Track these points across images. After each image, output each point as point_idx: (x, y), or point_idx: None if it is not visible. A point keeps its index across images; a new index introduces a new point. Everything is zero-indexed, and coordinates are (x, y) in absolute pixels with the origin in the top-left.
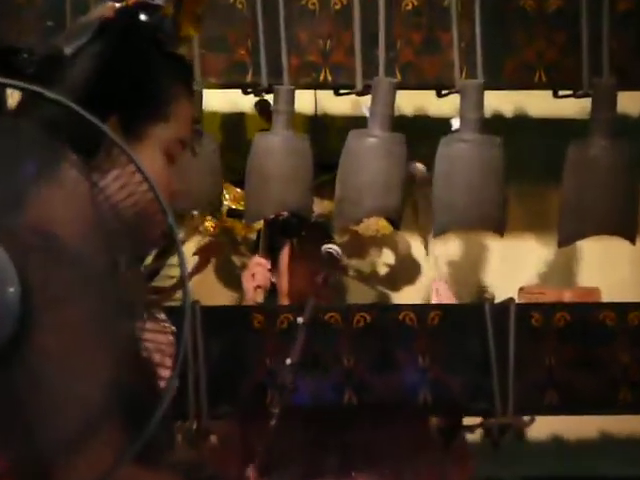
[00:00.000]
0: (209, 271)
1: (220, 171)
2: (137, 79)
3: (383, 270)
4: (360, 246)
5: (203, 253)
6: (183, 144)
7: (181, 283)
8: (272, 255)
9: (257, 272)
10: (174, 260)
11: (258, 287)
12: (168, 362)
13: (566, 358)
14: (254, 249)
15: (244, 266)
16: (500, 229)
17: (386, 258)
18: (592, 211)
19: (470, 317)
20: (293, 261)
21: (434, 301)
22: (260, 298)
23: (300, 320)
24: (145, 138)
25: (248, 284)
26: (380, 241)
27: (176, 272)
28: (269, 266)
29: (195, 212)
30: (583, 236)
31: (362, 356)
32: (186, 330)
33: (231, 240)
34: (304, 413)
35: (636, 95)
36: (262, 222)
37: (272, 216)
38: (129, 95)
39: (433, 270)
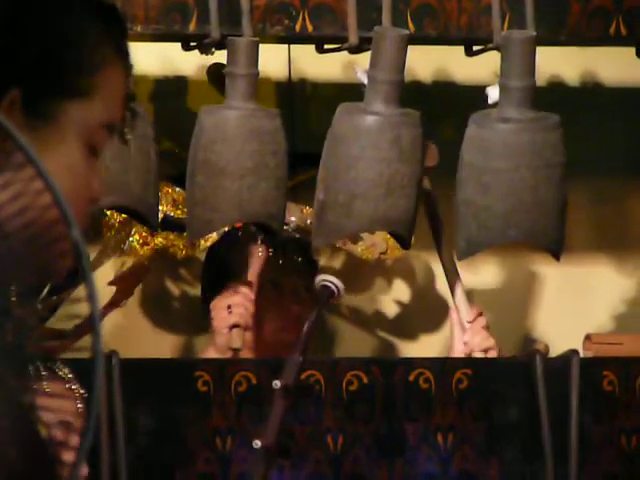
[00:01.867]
0: (134, 307)
1: (155, 165)
2: (45, 38)
3: (391, 310)
4: (357, 274)
5: (123, 282)
6: (110, 130)
7: (90, 325)
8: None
9: (235, 304)
10: (81, 293)
11: (235, 326)
12: (75, 440)
13: None
14: (204, 275)
15: (184, 299)
16: (557, 249)
17: (396, 292)
18: None
19: (514, 377)
20: (262, 297)
21: (458, 346)
22: (238, 343)
23: (278, 384)
24: (56, 120)
25: (220, 322)
26: (387, 268)
27: (83, 309)
28: (253, 296)
29: (117, 223)
30: None
31: (355, 436)
32: (97, 394)
33: (168, 262)
34: None
35: None
36: (212, 238)
37: (226, 229)
38: (33, 61)
39: (461, 309)
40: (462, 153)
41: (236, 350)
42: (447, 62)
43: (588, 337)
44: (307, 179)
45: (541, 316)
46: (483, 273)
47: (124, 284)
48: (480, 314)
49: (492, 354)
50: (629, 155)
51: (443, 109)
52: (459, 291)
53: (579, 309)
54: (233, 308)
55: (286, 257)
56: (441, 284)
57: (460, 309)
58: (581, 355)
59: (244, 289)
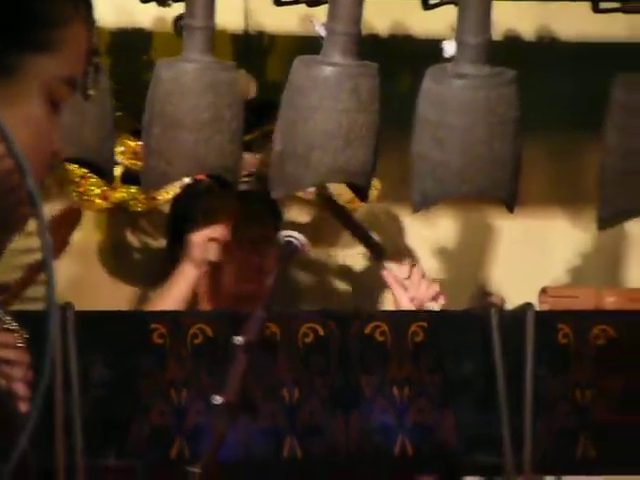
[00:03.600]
0: (93, 259)
1: (111, 117)
2: None
3: (354, 263)
4: (322, 227)
5: (58, 227)
6: (72, 85)
7: (45, 276)
8: (183, 243)
9: (215, 235)
10: (33, 242)
11: (213, 240)
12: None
13: (609, 392)
14: (169, 229)
15: (144, 251)
16: (511, 202)
17: (360, 245)
18: None
19: (470, 329)
20: (222, 248)
21: (407, 305)
22: (214, 256)
23: (239, 339)
24: (17, 74)
25: (199, 234)
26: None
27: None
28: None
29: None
30: (633, 214)
31: (311, 387)
32: (51, 345)
33: (129, 215)
34: (227, 473)
35: None
36: (174, 190)
37: (183, 182)
38: None
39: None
40: (418, 107)
41: (211, 264)
42: (404, 15)
43: (544, 290)
44: (261, 135)
45: (497, 269)
46: (439, 227)
47: (57, 235)
48: (414, 265)
49: (442, 300)
50: (584, 110)
51: (400, 62)
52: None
53: (535, 262)
54: (215, 227)
55: (246, 207)
56: (408, 236)
57: (392, 269)
58: (536, 308)
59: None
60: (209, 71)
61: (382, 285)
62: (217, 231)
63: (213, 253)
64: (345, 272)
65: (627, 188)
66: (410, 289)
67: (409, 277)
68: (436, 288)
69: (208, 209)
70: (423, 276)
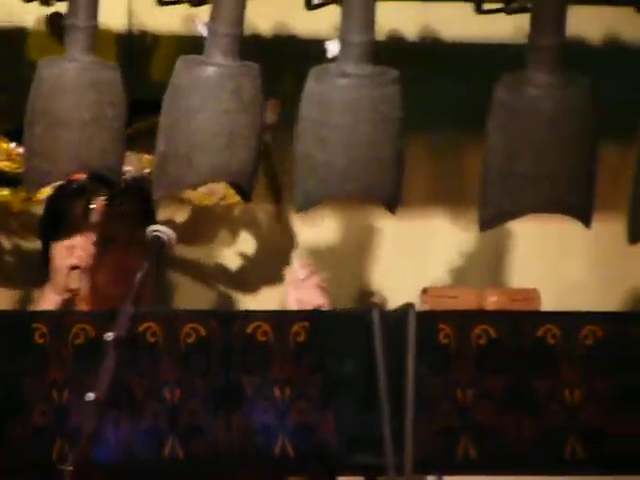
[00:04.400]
0: None
1: None
2: None
3: (233, 262)
4: (201, 226)
5: None
6: None
7: None
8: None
9: (77, 246)
10: None
11: (75, 268)
12: None
13: (489, 392)
14: (42, 227)
15: (19, 252)
16: (393, 203)
17: (239, 245)
18: (528, 180)
19: (351, 329)
20: (97, 249)
21: (292, 305)
22: (76, 284)
23: (109, 336)
24: None
25: (60, 261)
26: (232, 220)
27: None
28: (93, 241)
29: None
30: (515, 215)
31: (192, 387)
32: None
33: (2, 217)
34: (109, 473)
35: (600, 12)
36: (46, 191)
37: (63, 181)
38: None
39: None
40: (301, 107)
41: (73, 291)
42: (287, 15)
43: (424, 290)
44: (146, 127)
45: (379, 270)
46: (321, 227)
47: None
48: (314, 273)
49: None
50: (466, 110)
51: (283, 63)
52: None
53: (416, 263)
54: (74, 250)
55: (119, 208)
56: (286, 237)
57: (294, 267)
58: (418, 308)
59: (86, 233)
60: (91, 70)
61: (258, 282)
62: (78, 241)
63: (75, 281)
64: (223, 270)
65: (509, 189)
66: (300, 290)
67: (305, 279)
68: (324, 300)
69: (74, 216)
70: (318, 285)
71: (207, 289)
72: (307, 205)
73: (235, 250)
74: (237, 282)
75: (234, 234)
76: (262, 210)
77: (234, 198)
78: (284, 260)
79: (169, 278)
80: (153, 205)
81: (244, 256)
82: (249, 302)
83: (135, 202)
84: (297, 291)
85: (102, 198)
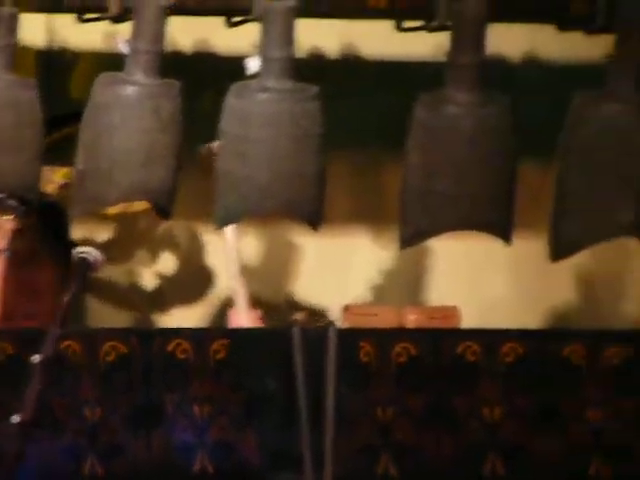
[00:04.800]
0: None
1: None
2: None
3: (152, 281)
4: (118, 245)
5: None
6: None
7: None
8: None
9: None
10: None
11: None
12: None
13: (409, 410)
14: None
15: None
16: (315, 220)
17: (159, 264)
18: (448, 198)
19: (272, 347)
20: (5, 267)
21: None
22: None
23: (36, 358)
24: None
25: None
26: (152, 239)
27: None
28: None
29: None
30: (435, 233)
31: (113, 406)
32: None
33: None
34: None
35: (521, 30)
36: None
37: None
38: None
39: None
40: (222, 123)
41: None
42: (208, 33)
43: (345, 308)
44: (61, 137)
45: (300, 287)
46: (243, 244)
47: None
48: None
49: None
50: (387, 128)
51: (204, 79)
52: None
53: (337, 280)
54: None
55: (31, 225)
56: (207, 255)
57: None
58: (338, 326)
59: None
60: (9, 90)
61: (177, 301)
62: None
63: None
64: (141, 290)
65: (428, 207)
66: (237, 316)
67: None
68: (258, 318)
69: None
70: (251, 307)
71: (125, 309)
72: (227, 221)
73: (154, 269)
74: (156, 301)
75: (154, 253)
76: (182, 229)
77: (142, 205)
78: (204, 279)
79: (86, 297)
80: (66, 222)
81: (163, 275)
82: (168, 322)
83: (47, 219)
84: (236, 315)
85: (10, 215)
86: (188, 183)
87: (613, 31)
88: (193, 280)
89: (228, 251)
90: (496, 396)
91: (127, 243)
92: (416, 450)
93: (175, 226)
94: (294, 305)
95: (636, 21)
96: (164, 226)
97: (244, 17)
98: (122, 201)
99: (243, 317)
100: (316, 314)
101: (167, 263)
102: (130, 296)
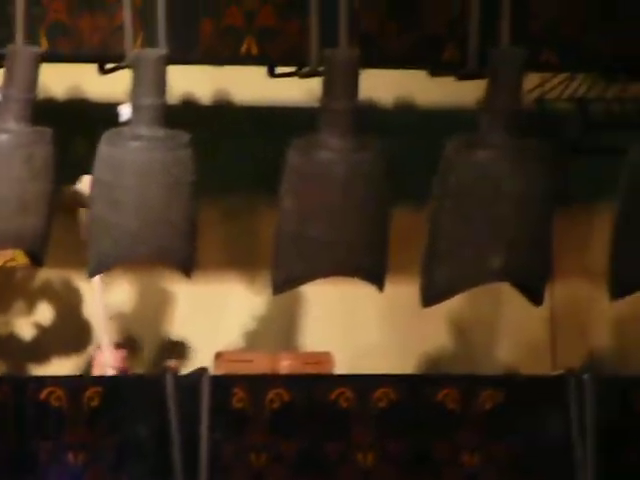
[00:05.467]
0: None
1: None
2: None
3: (28, 332)
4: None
5: None
6: None
7: None
8: None
9: None
10: None
11: None
12: None
13: (282, 455)
14: None
15: None
16: (188, 267)
17: (37, 314)
18: (321, 243)
19: (145, 394)
20: None
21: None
22: None
23: None
24: None
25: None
26: (30, 289)
27: None
28: None
29: None
30: (307, 279)
31: None
32: None
33: None
34: None
35: (393, 76)
36: None
37: None
38: None
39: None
40: (94, 171)
41: None
42: (81, 79)
43: (218, 355)
44: None
45: (174, 334)
46: (116, 290)
47: None
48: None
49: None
50: (259, 173)
51: (77, 127)
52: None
53: (211, 326)
54: None
55: None
56: (83, 305)
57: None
58: (212, 372)
59: None
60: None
61: (57, 350)
62: None
63: None
64: (17, 340)
65: (301, 252)
66: (103, 354)
67: (106, 344)
68: (126, 363)
69: None
70: (116, 347)
71: (1, 360)
72: (101, 267)
73: (31, 320)
74: (33, 352)
75: (31, 304)
76: (59, 279)
77: (24, 259)
78: (80, 328)
79: None
80: None
81: (40, 326)
82: (45, 372)
83: None
84: (101, 355)
85: None
86: (63, 232)
87: (484, 77)
88: (70, 330)
89: (95, 294)
90: (369, 441)
91: (3, 294)
92: None
93: (52, 276)
94: (168, 352)
95: (505, 67)
96: (40, 277)
97: (116, 64)
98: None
99: (108, 356)
100: (190, 360)
101: (44, 313)
102: (7, 347)
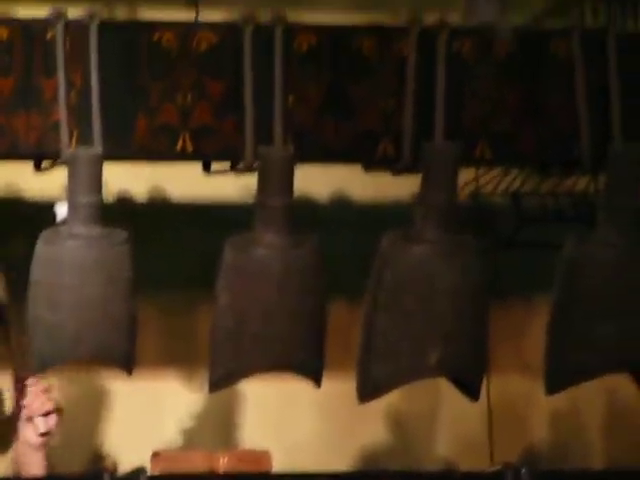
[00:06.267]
0: None
1: None
2: None
3: None
4: None
5: None
6: None
7: None
8: None
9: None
10: None
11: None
12: None
13: None
14: None
15: None
16: (127, 364)
17: None
18: (257, 340)
19: None
20: None
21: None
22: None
23: None
24: None
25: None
26: None
27: None
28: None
29: None
30: (244, 375)
31: None
32: None
33: None
34: None
35: (329, 171)
36: None
37: None
38: None
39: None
40: (32, 271)
41: None
42: (17, 177)
43: (155, 454)
44: None
45: (110, 432)
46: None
47: None
48: (40, 379)
49: (53, 418)
50: (196, 270)
51: (14, 225)
52: None
53: (148, 424)
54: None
55: None
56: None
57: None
58: (149, 472)
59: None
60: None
61: None
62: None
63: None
64: None
65: (238, 349)
66: (28, 397)
67: (32, 385)
68: (50, 405)
69: None
70: (44, 391)
71: None
72: (43, 368)
73: None
74: None
75: None
76: None
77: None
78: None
79: None
80: None
81: None
82: None
83: None
84: (24, 397)
85: None
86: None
87: (418, 171)
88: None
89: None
90: None
91: None
92: None
93: None
94: (104, 451)
95: (440, 162)
96: None
97: (53, 162)
98: None
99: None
100: (127, 460)
101: None
102: None
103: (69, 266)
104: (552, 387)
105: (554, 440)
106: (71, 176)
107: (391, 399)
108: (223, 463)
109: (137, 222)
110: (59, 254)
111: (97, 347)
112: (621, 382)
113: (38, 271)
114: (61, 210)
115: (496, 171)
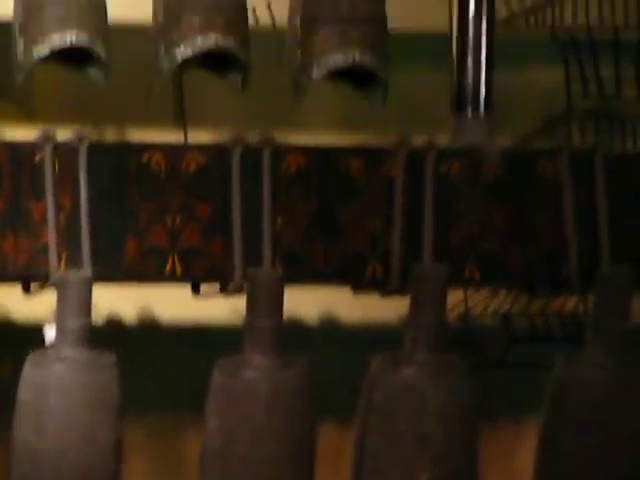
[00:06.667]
0: None
1: None
2: None
3: None
4: None
5: None
6: None
7: None
8: None
9: None
10: None
11: None
12: None
13: None
14: None
15: None
16: None
17: None
18: (246, 462)
19: None
20: None
21: None
22: None
23: None
24: None
25: None
26: None
27: None
28: None
29: None
30: None
31: None
32: None
33: None
34: None
35: (318, 292)
36: None
37: None
38: None
39: None
40: (18, 393)
41: None
42: (5, 299)
43: None
44: None
45: None
46: None
47: None
48: None
49: None
50: (185, 392)
51: (1, 348)
52: None
53: None
54: None
55: None
56: None
57: None
58: None
59: None
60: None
61: None
62: None
63: None
64: None
65: (227, 471)
66: None
67: None
68: None
69: None
70: None
71: None
72: None
73: None
74: None
75: None
76: None
77: None
78: None
79: None
80: None
81: None
82: None
83: None
84: None
85: None
86: None
87: (407, 293)
88: None
89: None
90: None
91: None
92: None
93: None
94: None
95: (428, 284)
96: None
97: (41, 285)
98: None
99: None
100: None
101: None
102: None
103: (55, 389)
104: None
105: None
106: (60, 299)
107: None
108: None
109: (126, 343)
110: (45, 377)
111: (81, 472)
112: None
113: (24, 393)
114: (50, 333)
115: (485, 292)
